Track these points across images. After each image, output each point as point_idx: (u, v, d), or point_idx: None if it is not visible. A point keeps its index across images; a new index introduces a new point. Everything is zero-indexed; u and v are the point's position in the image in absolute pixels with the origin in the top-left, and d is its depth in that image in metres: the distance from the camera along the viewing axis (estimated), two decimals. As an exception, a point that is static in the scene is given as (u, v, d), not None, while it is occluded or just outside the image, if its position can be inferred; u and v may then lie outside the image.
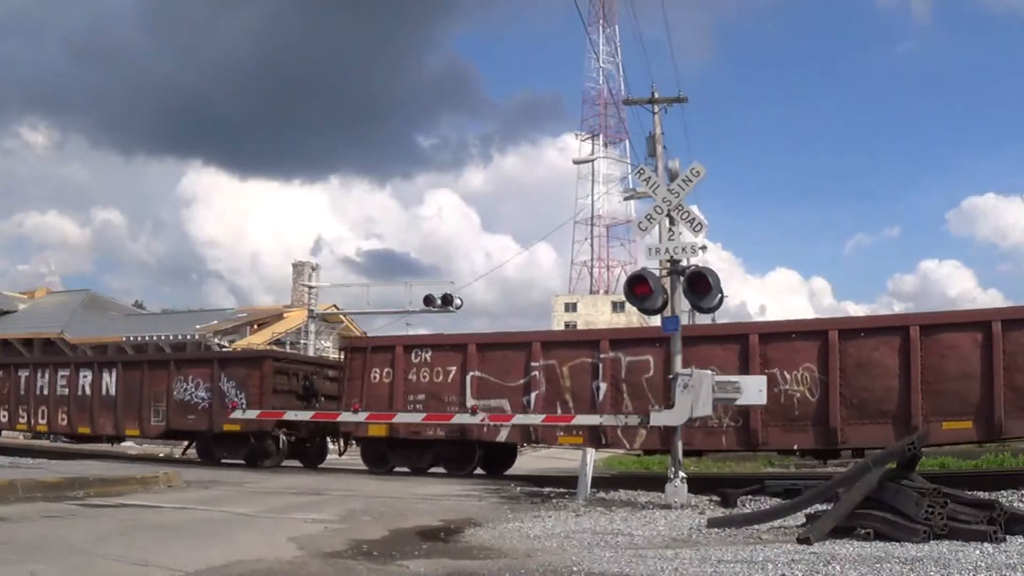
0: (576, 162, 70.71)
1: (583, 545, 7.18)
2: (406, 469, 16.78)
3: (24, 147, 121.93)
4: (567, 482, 13.09)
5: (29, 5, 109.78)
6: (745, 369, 13.70)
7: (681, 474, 11.05)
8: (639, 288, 11.18)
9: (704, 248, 11.39)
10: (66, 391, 20.13)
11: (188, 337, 40.39)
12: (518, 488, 13.17)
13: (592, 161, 73.55)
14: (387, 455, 17.02)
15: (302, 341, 36.52)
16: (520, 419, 14.76)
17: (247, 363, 18.89)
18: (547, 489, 12.93)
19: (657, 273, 11.56)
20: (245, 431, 17.81)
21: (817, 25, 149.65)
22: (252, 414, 16.95)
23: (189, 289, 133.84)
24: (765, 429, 14.04)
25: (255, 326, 43.47)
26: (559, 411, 15.04)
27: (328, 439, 19.23)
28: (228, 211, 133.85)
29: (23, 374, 20.91)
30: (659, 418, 11.54)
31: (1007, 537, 6.72)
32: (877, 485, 7.31)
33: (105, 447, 22.68)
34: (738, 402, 11.28)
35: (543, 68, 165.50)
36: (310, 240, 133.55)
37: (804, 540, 6.71)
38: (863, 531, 7.05)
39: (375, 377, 16.72)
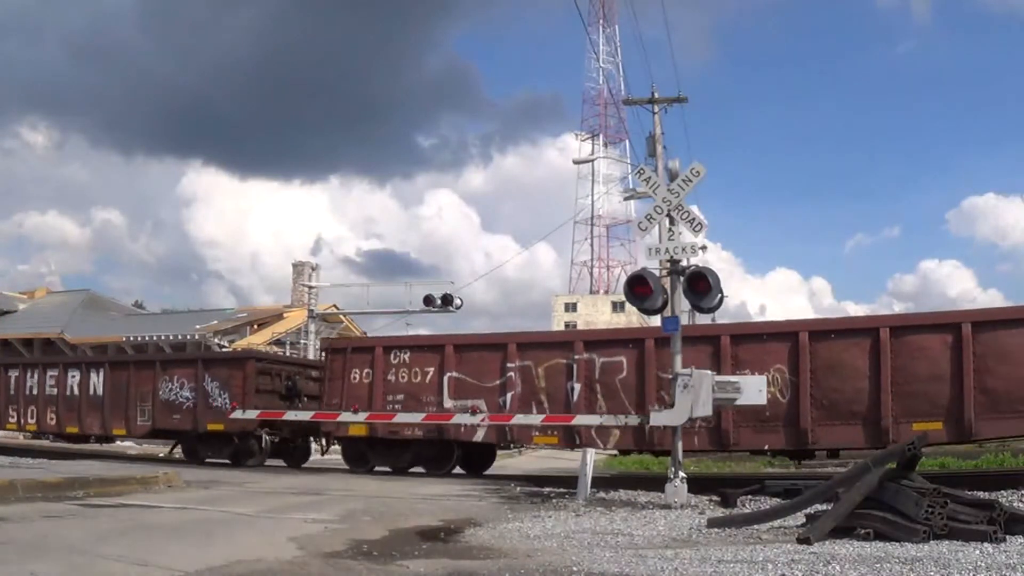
0: (576, 162, 70.85)
1: (583, 545, 7.18)
2: (387, 468, 16.84)
3: (24, 147, 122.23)
4: (567, 482, 13.10)
5: (29, 5, 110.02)
6: (716, 370, 13.64)
7: (681, 474, 11.04)
8: (639, 288, 11.17)
9: (704, 248, 11.39)
10: (55, 391, 20.17)
11: (188, 337, 40.28)
12: (518, 488, 13.18)
13: (592, 161, 73.63)
14: (367, 454, 17.09)
15: (302, 341, 36.43)
16: (520, 419, 14.77)
17: (230, 363, 18.93)
18: (547, 489, 12.95)
19: (657, 273, 11.56)
20: (229, 431, 17.84)
21: (817, 25, 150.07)
22: (252, 414, 17.00)
23: (189, 289, 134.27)
24: (736, 430, 14.06)
25: (255, 326, 43.42)
26: (534, 411, 15.11)
27: (312, 439, 19.26)
28: (228, 211, 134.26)
29: (13, 374, 20.97)
30: (659, 418, 11.54)
31: (1007, 537, 6.72)
32: (877, 485, 7.31)
33: (105, 447, 22.71)
34: (738, 402, 11.26)
35: (543, 68, 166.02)
36: (310, 240, 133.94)
37: (804, 540, 6.71)
38: (863, 531, 7.05)
39: (355, 377, 16.78)
